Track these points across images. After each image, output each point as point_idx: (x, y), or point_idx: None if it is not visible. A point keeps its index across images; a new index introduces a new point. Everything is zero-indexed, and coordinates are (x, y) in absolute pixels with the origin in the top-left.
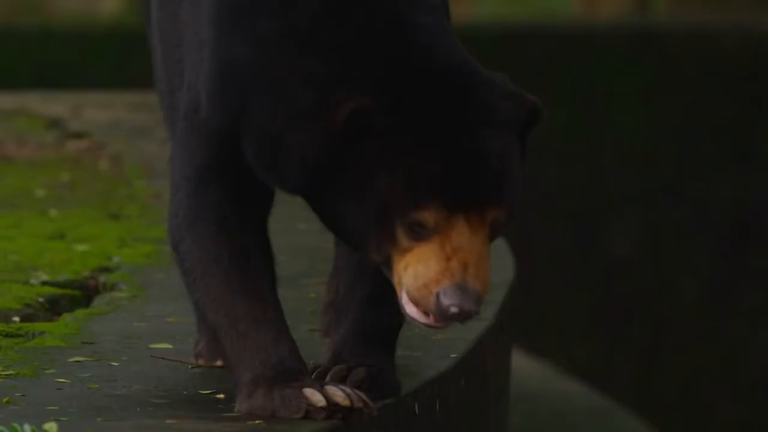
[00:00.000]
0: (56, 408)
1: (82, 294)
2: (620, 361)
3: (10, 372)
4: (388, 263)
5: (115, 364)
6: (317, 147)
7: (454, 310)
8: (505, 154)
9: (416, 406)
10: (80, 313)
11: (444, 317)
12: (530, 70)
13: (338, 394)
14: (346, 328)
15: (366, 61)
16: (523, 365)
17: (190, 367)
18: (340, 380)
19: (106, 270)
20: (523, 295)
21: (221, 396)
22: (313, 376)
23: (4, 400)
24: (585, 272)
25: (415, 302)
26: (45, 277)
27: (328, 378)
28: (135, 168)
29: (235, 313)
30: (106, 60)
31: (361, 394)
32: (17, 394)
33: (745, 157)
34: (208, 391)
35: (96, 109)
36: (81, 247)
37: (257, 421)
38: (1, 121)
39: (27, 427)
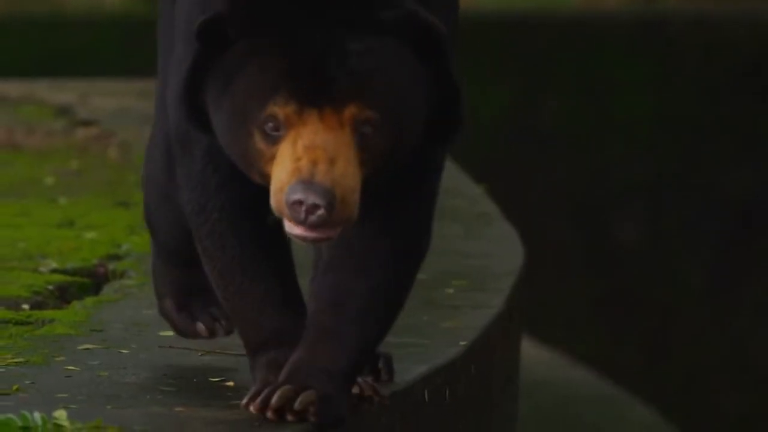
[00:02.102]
0: (66, 395)
1: (91, 282)
2: (626, 349)
3: (20, 360)
4: (268, 183)
5: (125, 351)
6: (187, 70)
7: (302, 208)
8: (374, 57)
9: (425, 393)
10: (89, 300)
11: (295, 217)
12: (535, 59)
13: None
14: (301, 345)
15: None
16: (530, 353)
17: (199, 354)
18: (286, 402)
19: (115, 257)
20: (529, 283)
21: (230, 384)
22: (261, 396)
23: (14, 387)
24: (591, 262)
25: (277, 211)
26: (54, 264)
27: (274, 399)
28: (143, 156)
29: (243, 300)
30: (114, 48)
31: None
32: (27, 382)
33: (750, 147)
34: (218, 379)
35: (104, 97)
36: (90, 235)
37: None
38: (9, 109)
39: (36, 415)
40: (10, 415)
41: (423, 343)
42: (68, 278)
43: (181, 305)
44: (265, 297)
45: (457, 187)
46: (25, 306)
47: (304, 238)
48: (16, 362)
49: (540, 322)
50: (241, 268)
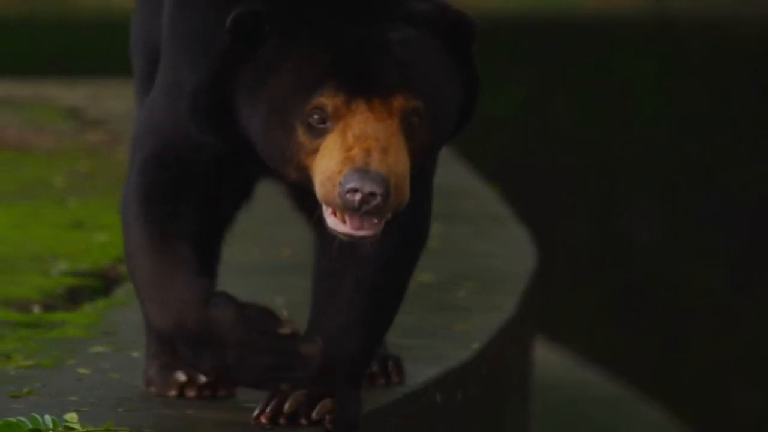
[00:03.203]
0: (76, 398)
1: (101, 284)
2: (639, 350)
3: (31, 362)
4: (307, 176)
5: (135, 354)
6: (216, 63)
7: (357, 196)
8: (414, 48)
9: (438, 395)
10: (100, 303)
11: (349, 206)
12: (548, 60)
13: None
14: (312, 350)
15: None
16: (542, 354)
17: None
18: (300, 407)
19: None
20: (542, 284)
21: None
22: (273, 402)
23: (25, 390)
24: (604, 262)
25: (326, 201)
26: (64, 266)
27: (287, 404)
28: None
29: (160, 282)
30: (123, 48)
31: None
32: (38, 385)
33: (763, 145)
34: None
35: (114, 98)
36: (100, 237)
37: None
38: (19, 110)
39: (47, 418)
40: (21, 418)
41: (435, 346)
42: (79, 280)
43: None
44: (170, 282)
45: (470, 188)
46: (36, 308)
47: (351, 236)
48: (27, 365)
49: (553, 322)
50: (159, 247)
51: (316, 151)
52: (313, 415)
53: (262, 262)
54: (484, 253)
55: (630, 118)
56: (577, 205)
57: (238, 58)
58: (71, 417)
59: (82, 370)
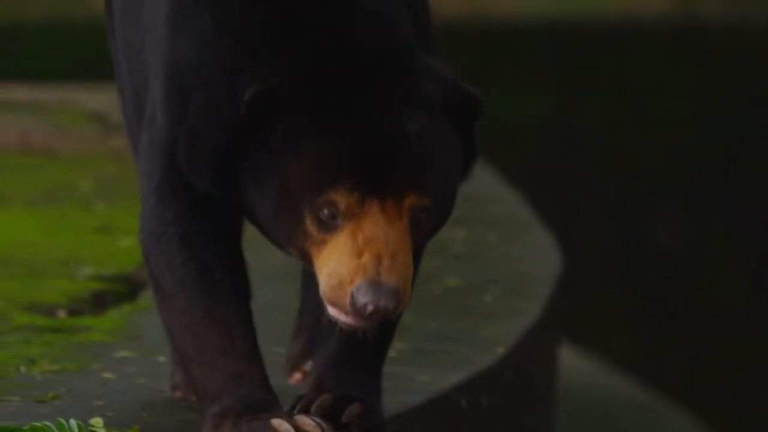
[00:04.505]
0: (102, 403)
1: (127, 288)
2: (666, 356)
3: (56, 367)
4: (307, 258)
5: (161, 358)
6: (226, 135)
7: (369, 309)
8: (428, 138)
9: (463, 400)
10: (126, 307)
11: (361, 317)
12: (573, 65)
13: (307, 423)
14: (328, 352)
15: (280, 42)
16: (568, 360)
17: None
18: (326, 411)
19: None
20: (567, 289)
21: None
22: (298, 407)
23: (50, 395)
24: (629, 267)
25: (332, 303)
26: (90, 271)
27: (313, 409)
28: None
29: (202, 340)
30: None
31: (328, 424)
32: (63, 389)
33: None
34: None
35: None
36: (126, 241)
37: None
38: (45, 114)
39: (73, 422)
40: (47, 423)
41: (461, 351)
42: (104, 285)
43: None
44: (227, 338)
45: (495, 193)
46: (61, 313)
47: (353, 327)
48: (52, 370)
49: (578, 328)
50: (202, 303)
51: (323, 243)
52: (343, 418)
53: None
54: (510, 258)
55: (656, 124)
56: (602, 210)
57: (250, 132)
58: (96, 421)
59: (107, 375)
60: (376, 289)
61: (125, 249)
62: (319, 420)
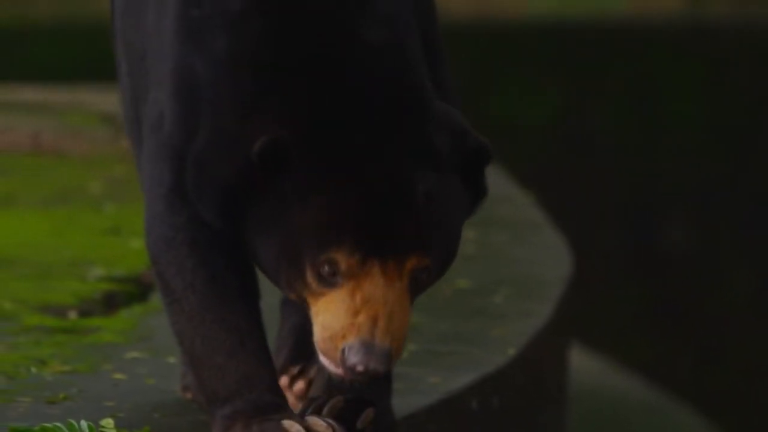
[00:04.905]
0: (113, 404)
1: (137, 289)
2: (676, 357)
3: (67, 368)
4: (305, 303)
5: (171, 359)
6: (234, 179)
7: (359, 368)
8: (435, 198)
9: (474, 401)
10: (136, 308)
11: (350, 373)
12: (583, 66)
13: (319, 424)
14: None
15: (293, 82)
16: (578, 360)
17: None
18: (338, 413)
19: None
20: (578, 290)
21: None
22: (310, 409)
23: (61, 395)
24: (640, 268)
25: (324, 354)
26: (100, 272)
27: (325, 411)
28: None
29: (212, 344)
30: None
31: (340, 426)
32: (74, 390)
33: None
34: None
35: None
36: (136, 242)
37: None
38: (55, 115)
39: (84, 423)
40: (57, 424)
41: (471, 351)
42: (115, 286)
43: None
44: (237, 341)
45: (506, 194)
46: (72, 314)
47: (341, 378)
48: (63, 370)
49: (589, 329)
50: (213, 307)
51: (321, 295)
52: (358, 424)
53: None
54: (520, 259)
55: (665, 124)
56: (613, 211)
57: (259, 180)
58: (107, 422)
59: (118, 376)
60: (368, 350)
61: (136, 250)
62: (331, 421)
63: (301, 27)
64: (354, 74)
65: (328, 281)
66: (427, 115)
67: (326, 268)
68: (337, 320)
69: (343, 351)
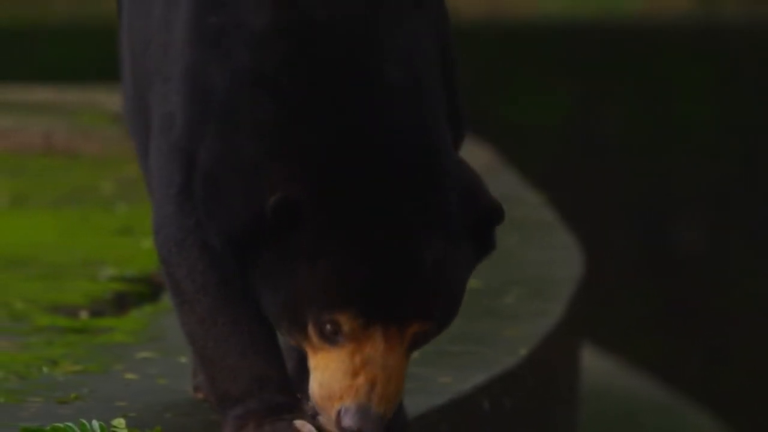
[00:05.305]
0: (124, 404)
1: (149, 289)
2: (688, 357)
3: (78, 368)
4: (304, 351)
5: (183, 359)
6: (243, 218)
7: (351, 429)
8: (443, 264)
9: (485, 401)
10: (148, 308)
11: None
12: (595, 66)
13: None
14: None
15: (312, 129)
16: (590, 361)
17: None
18: None
19: None
20: (590, 291)
21: None
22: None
23: (72, 395)
24: (652, 269)
25: (320, 408)
26: (112, 272)
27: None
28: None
29: (224, 345)
30: None
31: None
32: (85, 390)
33: None
34: None
35: None
36: (147, 242)
37: None
38: (67, 115)
39: (95, 423)
40: (69, 424)
41: (483, 352)
42: (126, 286)
43: None
44: (248, 343)
45: (518, 195)
46: (84, 314)
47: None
48: (74, 370)
49: (601, 329)
50: (225, 309)
51: (321, 349)
52: None
53: None
54: (532, 260)
55: (677, 124)
56: (625, 212)
57: (266, 231)
58: (119, 422)
59: (129, 376)
60: (363, 415)
61: (147, 250)
62: None
63: (323, 57)
64: (372, 124)
65: (330, 338)
66: (442, 174)
67: (329, 327)
68: (335, 381)
69: (339, 411)
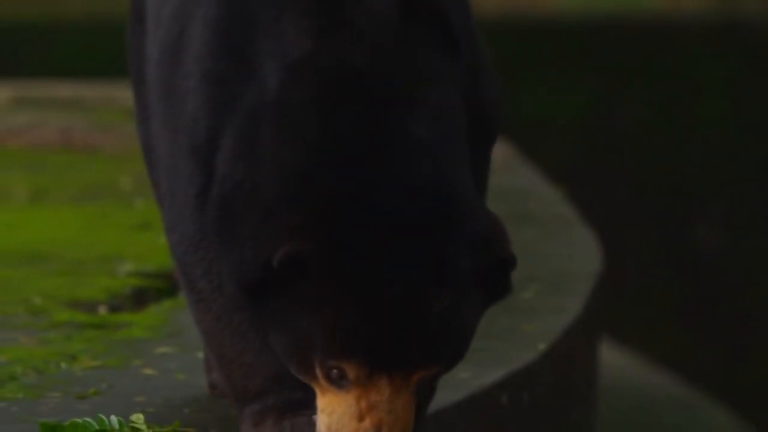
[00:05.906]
0: (143, 399)
1: (167, 285)
2: (707, 353)
3: (97, 363)
4: (313, 388)
5: (201, 355)
6: (251, 271)
7: None
8: (449, 313)
9: (504, 396)
10: (166, 304)
11: None
12: (614, 63)
13: None
14: None
15: (328, 184)
16: (609, 357)
17: None
18: None
19: None
20: (608, 286)
21: None
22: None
23: (91, 391)
24: (670, 265)
25: None
26: (130, 268)
27: None
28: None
29: (241, 344)
30: None
31: None
32: (104, 386)
33: None
34: None
35: None
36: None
37: None
38: (86, 112)
39: (114, 419)
40: (87, 419)
41: (501, 347)
42: (145, 281)
43: None
44: (265, 341)
45: (536, 190)
46: (102, 309)
47: None
48: (93, 366)
49: (619, 325)
50: (241, 309)
51: (328, 390)
52: None
53: None
54: (551, 255)
55: (698, 122)
56: (644, 208)
57: (273, 278)
58: (137, 418)
59: (148, 371)
60: None
61: (165, 246)
62: None
63: (353, 105)
64: (390, 178)
65: (336, 382)
66: (457, 225)
67: (335, 372)
68: (342, 425)
69: None
